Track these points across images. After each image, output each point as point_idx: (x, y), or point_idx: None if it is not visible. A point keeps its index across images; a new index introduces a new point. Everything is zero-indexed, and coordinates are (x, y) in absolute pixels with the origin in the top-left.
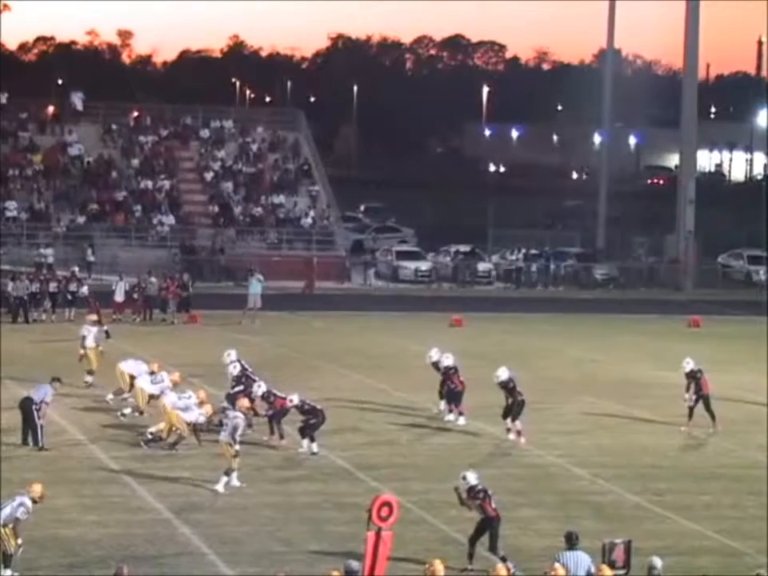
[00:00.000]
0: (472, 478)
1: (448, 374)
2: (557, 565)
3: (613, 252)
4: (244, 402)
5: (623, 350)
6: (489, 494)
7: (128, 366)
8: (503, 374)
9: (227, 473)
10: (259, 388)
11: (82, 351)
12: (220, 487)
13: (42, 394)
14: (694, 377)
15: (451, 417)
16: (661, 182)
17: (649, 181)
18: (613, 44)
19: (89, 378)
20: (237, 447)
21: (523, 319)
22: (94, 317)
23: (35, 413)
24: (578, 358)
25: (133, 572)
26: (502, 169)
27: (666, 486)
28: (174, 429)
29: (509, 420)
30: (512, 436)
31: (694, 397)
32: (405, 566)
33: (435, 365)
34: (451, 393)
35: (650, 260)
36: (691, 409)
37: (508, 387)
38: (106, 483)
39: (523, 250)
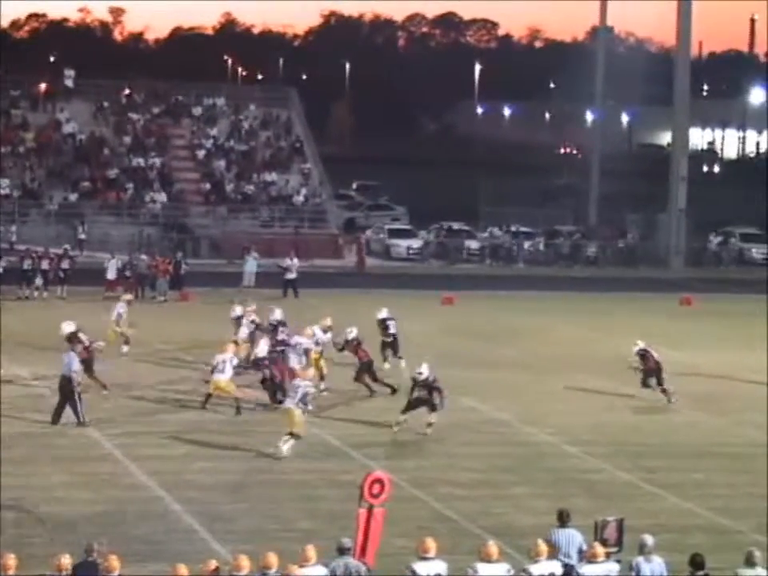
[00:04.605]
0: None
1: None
2: (539, 541)
3: (604, 230)
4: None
5: (615, 328)
6: None
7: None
8: (426, 370)
9: (291, 436)
10: (351, 333)
11: (117, 328)
12: (285, 449)
13: (69, 366)
14: (643, 355)
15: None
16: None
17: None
18: (605, 21)
19: (125, 348)
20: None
21: (515, 297)
22: (130, 296)
23: (73, 388)
24: (570, 336)
25: (106, 548)
26: (494, 146)
27: (657, 463)
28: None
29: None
30: (397, 429)
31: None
32: (397, 543)
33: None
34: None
35: (641, 238)
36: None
37: (435, 386)
38: (98, 461)
39: (514, 228)
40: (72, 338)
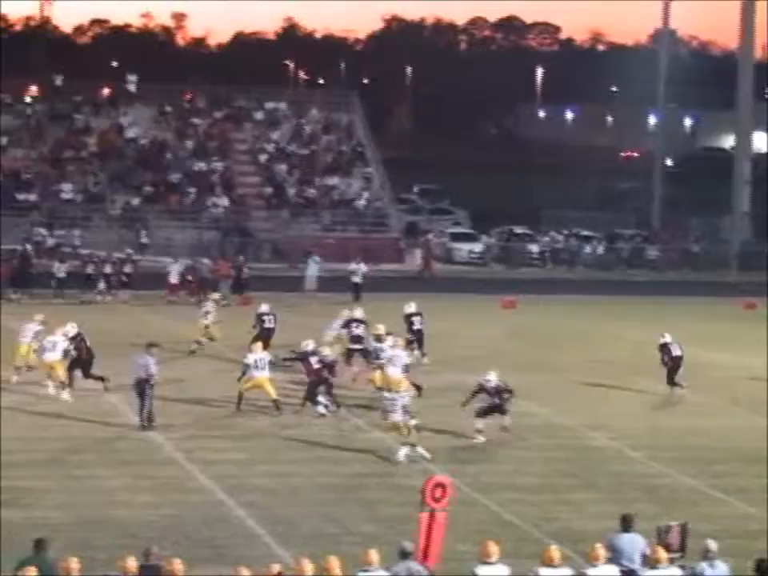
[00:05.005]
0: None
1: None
2: (597, 545)
3: (666, 233)
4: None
5: (677, 332)
6: None
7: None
8: (493, 378)
9: (408, 444)
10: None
11: (205, 323)
12: (401, 455)
13: (144, 368)
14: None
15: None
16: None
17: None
18: (668, 24)
19: (195, 345)
20: (413, 421)
21: (576, 301)
22: (217, 295)
23: (148, 390)
24: (631, 340)
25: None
26: (555, 150)
27: (721, 468)
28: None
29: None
30: (480, 437)
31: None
32: (458, 547)
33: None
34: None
35: (703, 241)
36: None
37: (499, 390)
38: (160, 465)
39: (575, 231)
40: (151, 343)
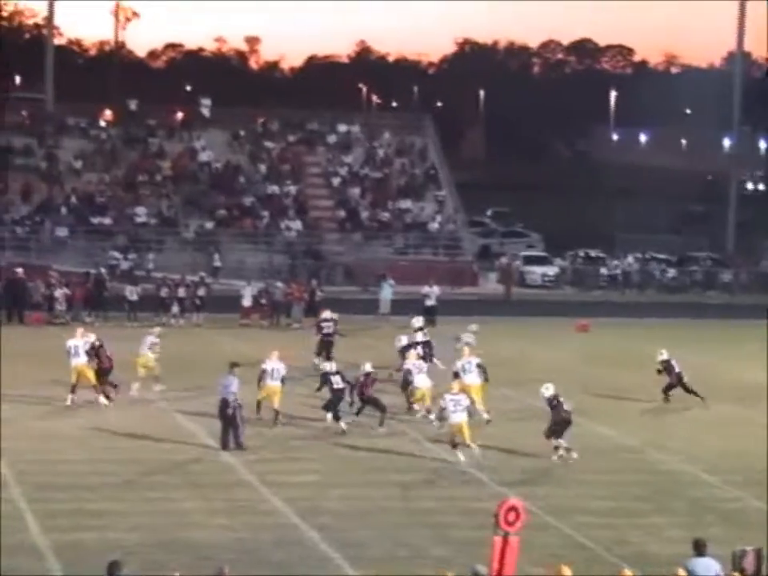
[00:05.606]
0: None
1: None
2: (680, 570)
3: (741, 256)
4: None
5: (748, 356)
6: None
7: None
8: (547, 391)
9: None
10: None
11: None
12: (461, 456)
13: (230, 389)
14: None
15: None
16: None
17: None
18: (742, 47)
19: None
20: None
21: (648, 324)
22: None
23: (235, 411)
24: (703, 363)
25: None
26: (629, 173)
27: None
28: None
29: (553, 439)
30: (561, 453)
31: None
32: (531, 571)
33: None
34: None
35: None
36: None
37: (551, 405)
38: (234, 487)
39: (648, 255)
40: (234, 363)
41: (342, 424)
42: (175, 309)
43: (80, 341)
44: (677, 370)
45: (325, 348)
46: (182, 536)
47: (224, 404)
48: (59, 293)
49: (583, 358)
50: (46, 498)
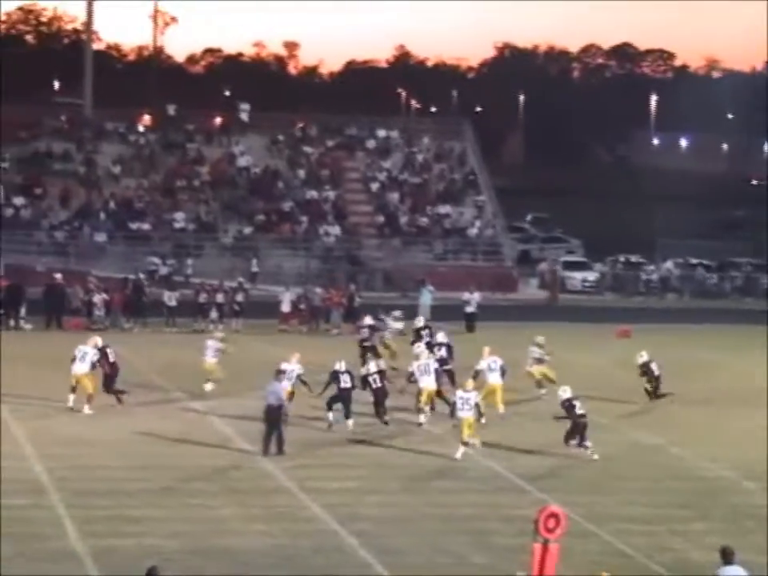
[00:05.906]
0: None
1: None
2: None
3: None
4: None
5: None
6: None
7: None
8: (564, 393)
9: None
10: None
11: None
12: (458, 455)
13: (277, 395)
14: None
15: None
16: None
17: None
18: None
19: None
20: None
21: (689, 330)
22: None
23: (281, 417)
24: (744, 370)
25: None
26: (670, 178)
27: None
28: None
29: (570, 442)
30: (581, 451)
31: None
32: None
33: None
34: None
35: None
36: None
37: (565, 407)
38: (272, 493)
39: (689, 260)
40: (280, 370)
41: (350, 423)
42: (214, 314)
43: (90, 349)
44: (656, 373)
45: (366, 353)
46: (221, 543)
47: (269, 410)
48: (98, 298)
49: (623, 364)
50: (85, 504)
